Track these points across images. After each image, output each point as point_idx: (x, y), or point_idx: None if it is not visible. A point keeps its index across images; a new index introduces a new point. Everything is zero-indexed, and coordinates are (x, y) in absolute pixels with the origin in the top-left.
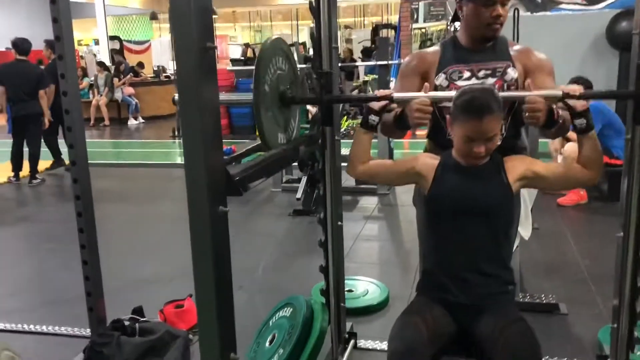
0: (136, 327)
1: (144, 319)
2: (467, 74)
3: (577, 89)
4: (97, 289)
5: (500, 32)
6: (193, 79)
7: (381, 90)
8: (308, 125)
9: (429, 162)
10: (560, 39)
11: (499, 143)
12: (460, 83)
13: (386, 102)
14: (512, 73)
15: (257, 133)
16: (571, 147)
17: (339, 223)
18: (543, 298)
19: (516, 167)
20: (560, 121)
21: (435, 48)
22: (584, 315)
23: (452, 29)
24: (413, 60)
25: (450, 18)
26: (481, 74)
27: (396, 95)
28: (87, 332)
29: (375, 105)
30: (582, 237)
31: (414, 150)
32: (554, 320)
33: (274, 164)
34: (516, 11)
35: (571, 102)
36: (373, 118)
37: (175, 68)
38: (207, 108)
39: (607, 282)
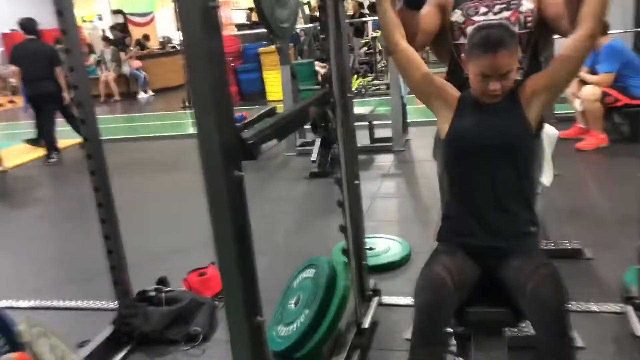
0: (162, 297)
1: (169, 289)
2: (483, 9)
3: None
4: (121, 261)
5: None
6: (199, 39)
7: None
8: (318, 87)
9: (453, 91)
10: None
11: (517, 78)
12: (476, 18)
13: None
14: (528, 4)
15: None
16: (589, 90)
17: (356, 182)
18: (567, 244)
19: (526, 92)
20: None
21: None
22: (609, 258)
23: None
24: None
25: None
26: (496, 8)
27: None
28: (114, 304)
29: None
30: (603, 181)
31: None
32: (579, 266)
33: (286, 127)
34: None
35: None
36: None
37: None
38: (216, 69)
39: (631, 224)
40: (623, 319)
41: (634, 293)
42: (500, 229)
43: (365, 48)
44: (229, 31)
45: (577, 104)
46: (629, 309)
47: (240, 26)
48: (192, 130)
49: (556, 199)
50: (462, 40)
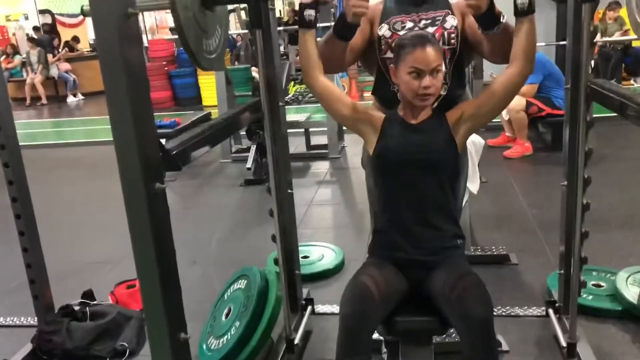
0: (87, 311)
1: (95, 303)
2: (409, 24)
3: None
4: (41, 275)
5: None
6: (116, 48)
7: None
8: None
9: (378, 114)
10: None
11: (443, 93)
12: (402, 33)
13: None
14: (452, 21)
15: (182, 45)
16: (514, 100)
17: (289, 191)
18: (494, 250)
19: (454, 115)
20: (503, 20)
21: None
22: (534, 263)
23: None
24: None
25: None
26: (422, 23)
27: None
28: (35, 320)
29: None
30: (528, 188)
31: None
32: (505, 271)
33: (215, 134)
34: None
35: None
36: (309, 12)
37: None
38: (134, 78)
39: (554, 230)
40: (545, 322)
41: (555, 297)
42: (425, 243)
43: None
44: (163, 34)
45: (504, 114)
46: (551, 312)
47: (174, 29)
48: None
49: (483, 206)
50: (389, 55)
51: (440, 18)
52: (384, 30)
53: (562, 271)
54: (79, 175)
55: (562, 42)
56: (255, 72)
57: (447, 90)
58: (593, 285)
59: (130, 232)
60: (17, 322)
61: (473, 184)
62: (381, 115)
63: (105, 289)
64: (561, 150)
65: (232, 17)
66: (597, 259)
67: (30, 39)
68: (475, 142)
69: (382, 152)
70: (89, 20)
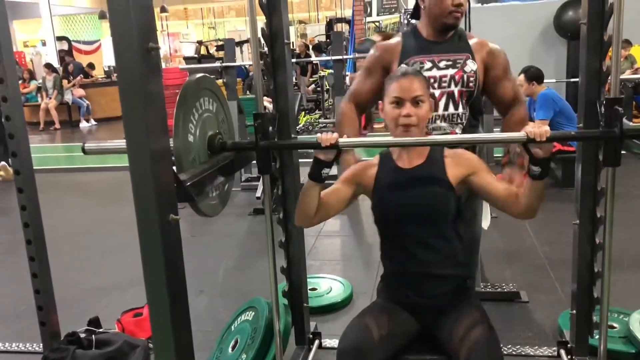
0: (92, 339)
1: (101, 330)
2: (428, 65)
3: (543, 133)
4: (49, 302)
5: (460, 21)
6: (137, 81)
7: (324, 135)
8: None
9: (368, 172)
10: (511, 29)
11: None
12: (425, 73)
13: (334, 152)
14: (472, 65)
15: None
16: None
17: None
18: (504, 286)
19: (459, 166)
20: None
21: (397, 39)
22: (544, 301)
23: (406, 22)
24: (377, 51)
25: (403, 10)
26: (442, 64)
27: (342, 141)
28: (40, 347)
29: (324, 156)
30: (539, 224)
31: None
32: (515, 308)
33: (229, 165)
34: (467, 2)
35: (534, 148)
36: (326, 170)
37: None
38: (152, 110)
39: (565, 268)
40: None
41: (567, 337)
42: (430, 292)
43: (313, 86)
44: (176, 63)
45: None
46: (562, 354)
47: (188, 59)
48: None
49: (494, 241)
50: None
51: (461, 61)
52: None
53: (574, 311)
54: (89, 200)
55: (573, 79)
56: (267, 102)
57: (463, 130)
58: None
59: (142, 261)
60: (23, 348)
61: (485, 220)
62: (372, 173)
63: (111, 316)
64: (572, 186)
65: (246, 47)
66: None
67: (46, 65)
68: None
69: (379, 207)
70: (104, 47)
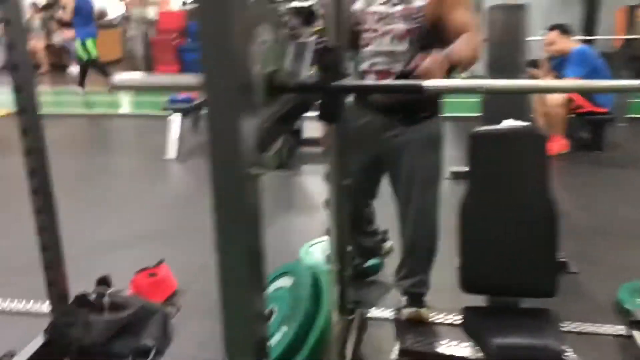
0: (104, 302)
1: (113, 291)
2: None
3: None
4: (59, 260)
5: None
6: None
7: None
8: None
9: None
10: None
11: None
12: (374, 8)
13: None
14: (420, 1)
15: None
16: (555, 95)
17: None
18: None
19: None
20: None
21: None
22: (594, 272)
23: None
24: None
25: None
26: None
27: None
28: (46, 308)
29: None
30: (571, 189)
31: None
32: (566, 280)
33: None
34: None
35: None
36: None
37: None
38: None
39: (607, 235)
40: (626, 343)
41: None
42: None
43: (315, 36)
44: (172, 5)
45: (539, 107)
46: (636, 335)
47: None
48: (125, 109)
49: None
50: (360, 27)
51: None
52: (359, 4)
53: None
54: (79, 148)
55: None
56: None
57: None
58: None
59: (216, 234)
60: (29, 308)
61: None
62: None
63: (121, 275)
64: (600, 149)
65: None
66: None
67: (33, 4)
68: None
69: None
70: None
